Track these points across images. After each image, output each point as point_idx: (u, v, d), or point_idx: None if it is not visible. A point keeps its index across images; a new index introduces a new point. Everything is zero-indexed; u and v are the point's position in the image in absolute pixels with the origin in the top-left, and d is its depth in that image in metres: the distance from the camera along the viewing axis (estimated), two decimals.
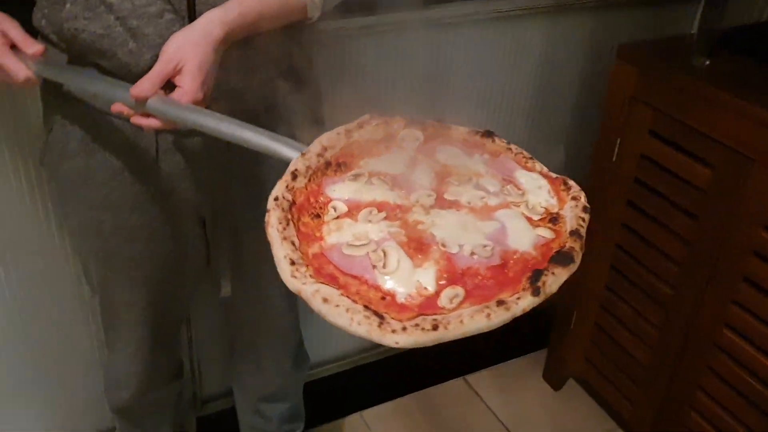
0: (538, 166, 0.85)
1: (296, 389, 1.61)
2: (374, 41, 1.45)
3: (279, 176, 0.77)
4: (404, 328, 0.64)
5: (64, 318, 1.45)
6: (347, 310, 0.65)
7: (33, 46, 0.98)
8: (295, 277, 0.68)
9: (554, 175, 0.84)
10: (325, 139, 0.83)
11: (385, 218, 0.75)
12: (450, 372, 2.02)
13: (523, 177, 0.83)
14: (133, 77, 0.93)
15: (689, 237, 1.52)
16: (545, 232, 0.74)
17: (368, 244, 0.71)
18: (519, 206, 0.78)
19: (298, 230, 0.74)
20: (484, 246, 0.71)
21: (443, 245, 0.71)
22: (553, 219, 0.77)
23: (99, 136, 1.08)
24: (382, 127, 0.87)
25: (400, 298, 0.67)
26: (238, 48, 1.00)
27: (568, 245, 0.71)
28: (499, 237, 0.73)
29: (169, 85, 0.93)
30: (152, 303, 1.25)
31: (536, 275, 0.67)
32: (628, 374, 1.76)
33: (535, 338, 2.09)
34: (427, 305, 0.67)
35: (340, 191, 0.79)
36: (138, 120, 0.93)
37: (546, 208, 0.79)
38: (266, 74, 1.10)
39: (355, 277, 0.69)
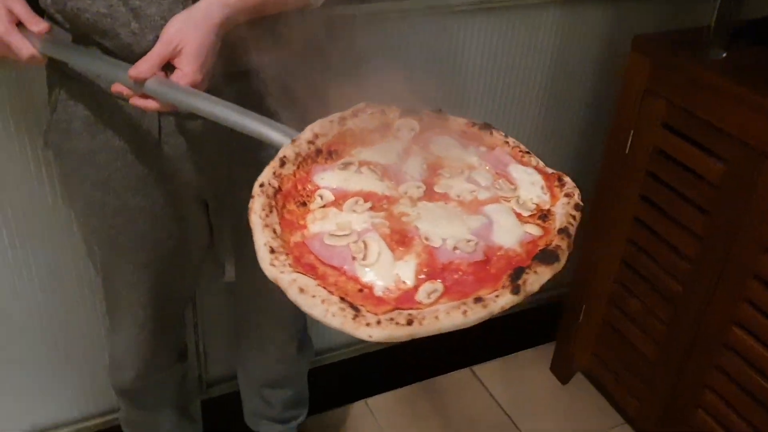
0: (534, 160, 0.83)
1: (300, 376, 1.61)
2: (384, 28, 1.43)
3: None
4: (378, 322, 0.63)
5: (71, 298, 1.46)
6: (323, 301, 0.64)
7: (38, 24, 0.98)
8: (274, 265, 0.68)
9: (550, 171, 0.82)
10: (317, 126, 0.82)
11: (371, 209, 0.74)
12: (456, 362, 2.00)
13: (517, 171, 0.81)
14: (135, 58, 0.92)
15: (701, 232, 1.50)
16: (533, 229, 0.73)
17: (350, 235, 0.70)
18: (509, 201, 0.77)
19: (281, 218, 0.73)
20: (468, 241, 0.70)
21: (426, 239, 0.70)
22: (543, 216, 0.75)
23: (102, 117, 1.08)
24: (377, 115, 0.86)
25: (378, 291, 0.66)
26: (242, 31, 0.99)
27: (554, 243, 0.70)
28: (485, 232, 0.72)
29: (169, 67, 0.93)
30: (155, 285, 1.25)
31: (517, 273, 0.66)
32: (635, 370, 1.74)
33: (543, 331, 2.07)
34: (405, 299, 0.66)
35: (328, 179, 0.78)
36: (136, 101, 0.93)
37: (537, 205, 0.77)
38: (271, 58, 1.09)
39: (334, 267, 0.68)
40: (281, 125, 0.83)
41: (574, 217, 0.74)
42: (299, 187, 0.77)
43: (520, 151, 0.84)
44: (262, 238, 0.69)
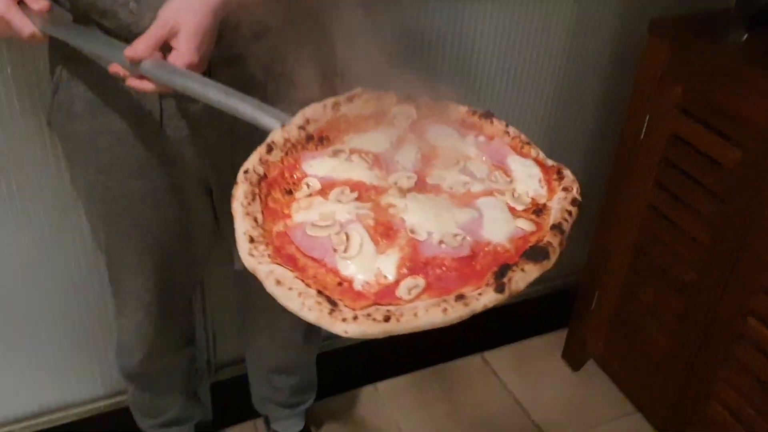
0: (534, 151, 0.80)
1: (308, 362, 1.60)
2: (394, 12, 1.40)
3: None
4: (355, 318, 0.61)
5: (79, 280, 1.46)
6: (299, 294, 0.62)
7: (38, 2, 0.97)
8: (253, 255, 0.66)
9: (550, 163, 0.78)
10: (309, 111, 0.79)
11: (357, 199, 0.71)
12: (467, 348, 1.98)
13: (515, 163, 0.78)
14: (134, 38, 0.91)
15: (715, 220, 1.46)
16: (525, 224, 0.70)
17: (332, 226, 0.68)
18: (504, 194, 0.74)
19: (265, 206, 0.71)
20: (455, 235, 0.67)
21: (411, 231, 0.68)
22: (537, 210, 0.72)
23: (104, 99, 1.07)
24: (373, 102, 0.83)
25: (357, 285, 0.64)
26: (242, 13, 0.97)
27: (545, 240, 0.67)
28: (473, 226, 0.69)
29: (168, 48, 0.91)
30: (159, 270, 1.24)
31: (503, 270, 0.63)
32: (648, 358, 1.71)
33: (555, 317, 2.04)
34: (385, 294, 0.63)
35: (317, 167, 0.75)
36: (132, 82, 0.91)
37: (533, 198, 0.74)
38: (276, 40, 1.06)
39: (314, 259, 0.66)
40: (274, 109, 0.81)
41: (569, 213, 0.71)
42: (287, 174, 0.75)
43: (521, 141, 0.81)
44: (242, 227, 0.67)
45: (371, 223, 0.68)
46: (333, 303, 0.62)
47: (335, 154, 0.77)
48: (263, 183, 0.72)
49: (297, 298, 0.62)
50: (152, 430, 1.55)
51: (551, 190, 0.75)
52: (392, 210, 0.70)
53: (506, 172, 0.77)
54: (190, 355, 1.52)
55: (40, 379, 1.53)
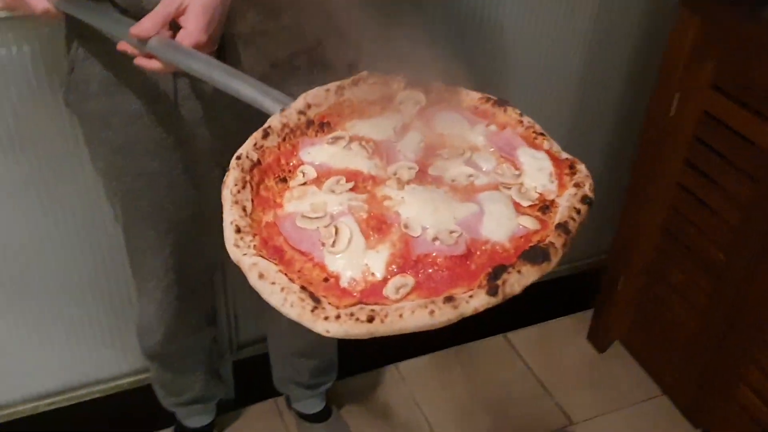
0: (547, 144, 0.75)
1: (329, 344, 1.58)
2: None
3: None
4: (338, 316, 0.58)
5: (102, 258, 1.46)
6: (282, 290, 0.60)
7: None
8: (238, 246, 0.63)
9: (563, 156, 0.74)
10: (311, 95, 0.76)
11: (352, 189, 0.68)
12: (490, 328, 1.95)
13: (526, 155, 0.73)
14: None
15: (746, 200, 1.42)
16: (528, 222, 0.65)
17: (323, 218, 0.65)
18: (510, 189, 0.69)
19: (257, 194, 0.68)
20: (451, 232, 0.63)
21: (405, 226, 0.64)
22: (544, 207, 0.68)
23: (119, 78, 1.06)
24: (379, 86, 0.79)
25: (343, 282, 0.61)
26: None
27: (548, 240, 0.62)
28: (472, 223, 0.65)
29: (178, 27, 0.89)
30: (177, 251, 1.24)
31: (497, 272, 0.59)
32: (675, 341, 1.69)
33: (580, 298, 2.00)
34: (371, 293, 0.60)
35: (314, 155, 0.72)
36: (141, 61, 0.90)
37: (541, 194, 0.69)
38: (293, 20, 1.03)
39: (302, 252, 0.63)
40: (276, 92, 0.78)
41: (578, 211, 0.66)
42: (282, 161, 0.72)
43: (534, 132, 0.76)
44: (229, 216, 0.65)
45: (364, 216, 0.65)
46: (316, 300, 0.59)
47: (334, 141, 0.73)
48: (256, 170, 0.69)
49: (279, 293, 0.59)
50: (175, 408, 1.56)
51: (562, 186, 0.70)
52: (387, 203, 0.66)
53: (515, 165, 0.72)
54: (212, 335, 1.51)
55: (64, 357, 1.55)
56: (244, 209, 0.65)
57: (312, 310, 0.58)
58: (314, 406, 1.67)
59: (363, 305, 0.58)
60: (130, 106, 1.07)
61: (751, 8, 1.39)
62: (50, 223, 1.37)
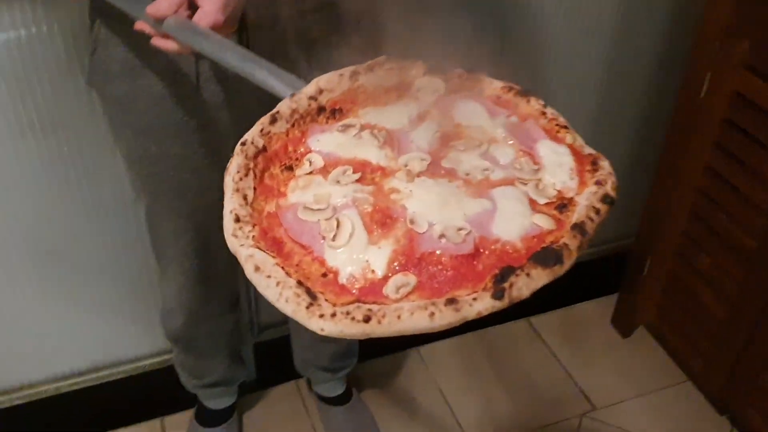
0: (570, 137, 0.70)
1: None
2: None
3: None
4: (333, 314, 0.55)
5: (127, 239, 1.46)
6: (278, 284, 0.57)
7: None
8: (236, 236, 0.61)
9: (587, 151, 0.69)
10: (323, 80, 0.73)
11: (358, 180, 0.65)
12: (513, 312, 1.89)
13: (546, 149, 0.69)
14: None
15: None
16: (543, 221, 0.61)
17: (325, 210, 0.62)
18: (527, 185, 0.65)
19: (260, 182, 0.66)
20: (459, 229, 0.60)
21: (411, 221, 0.61)
22: (561, 205, 0.64)
23: (141, 60, 1.04)
24: (396, 72, 0.75)
25: (342, 279, 0.58)
26: None
27: (562, 241, 0.58)
28: (483, 220, 0.61)
29: (195, 8, 0.87)
30: (199, 235, 1.22)
31: (504, 273, 0.55)
32: (703, 328, 1.65)
33: (605, 282, 1.95)
34: (370, 291, 0.57)
35: (323, 143, 0.69)
36: (157, 41, 0.88)
37: (559, 191, 0.65)
38: (316, 3, 1.01)
39: (302, 245, 0.60)
40: (290, 76, 0.75)
41: (597, 211, 0.62)
42: (290, 148, 0.69)
43: (557, 124, 0.72)
44: (229, 204, 0.62)
45: (368, 209, 0.62)
46: (312, 296, 0.56)
47: (345, 129, 0.70)
48: (260, 157, 0.66)
49: (275, 287, 0.57)
50: (197, 390, 1.56)
51: (582, 183, 0.66)
52: (394, 195, 0.63)
53: (534, 159, 0.68)
54: (234, 319, 1.50)
55: (88, 338, 1.55)
56: (245, 198, 0.63)
57: (307, 307, 0.56)
58: (335, 389, 1.66)
59: (361, 304, 0.55)
60: (152, 89, 1.06)
61: None
62: (77, 203, 1.37)
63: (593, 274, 1.87)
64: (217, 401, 1.60)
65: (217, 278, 1.35)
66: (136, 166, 1.17)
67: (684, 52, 1.53)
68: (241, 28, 1.00)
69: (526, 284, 0.55)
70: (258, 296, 1.62)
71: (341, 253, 0.59)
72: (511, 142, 0.70)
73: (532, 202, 0.64)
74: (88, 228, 1.41)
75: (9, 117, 1.24)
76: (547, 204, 0.64)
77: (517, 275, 0.55)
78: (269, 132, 0.68)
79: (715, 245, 1.55)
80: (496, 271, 0.56)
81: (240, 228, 0.61)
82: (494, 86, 0.76)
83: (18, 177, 1.30)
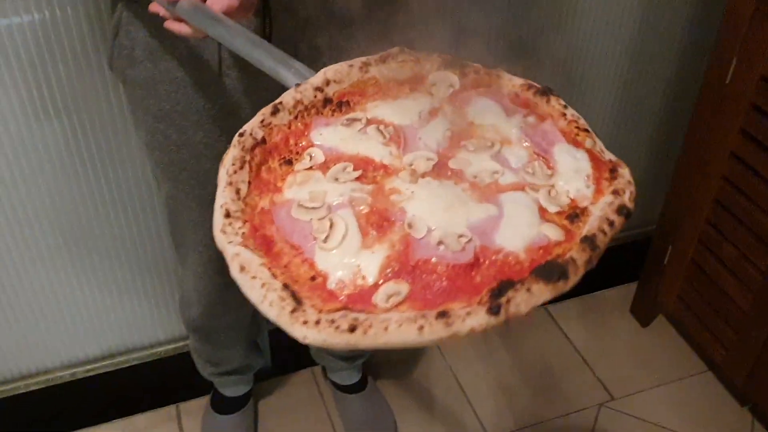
0: (590, 141, 0.66)
1: None
2: None
3: None
4: (318, 322, 0.52)
5: (145, 225, 1.45)
6: (263, 285, 0.54)
7: None
8: (224, 232, 0.58)
9: (606, 158, 0.64)
10: (332, 70, 0.70)
11: (358, 179, 0.61)
12: None
13: (563, 153, 0.65)
14: None
15: None
16: (552, 231, 0.57)
17: (319, 209, 0.58)
18: (538, 191, 0.61)
19: (256, 176, 0.63)
20: (459, 236, 0.56)
21: (410, 225, 0.57)
22: (573, 215, 0.59)
23: (163, 44, 1.02)
24: (410, 65, 0.72)
25: (331, 283, 0.55)
26: None
27: (569, 255, 0.54)
28: (486, 227, 0.57)
29: None
30: None
31: (502, 288, 0.51)
32: (726, 318, 1.59)
33: (624, 270, 1.90)
34: (359, 298, 0.53)
35: (326, 137, 0.66)
36: (171, 24, 0.86)
37: (573, 200, 0.61)
38: None
39: (293, 245, 0.57)
40: (299, 65, 0.72)
41: (611, 224, 0.57)
42: (291, 141, 0.66)
43: (577, 127, 0.67)
44: (220, 199, 0.59)
45: (365, 209, 0.58)
46: (298, 301, 0.53)
47: (350, 123, 0.67)
48: (258, 149, 0.63)
49: (259, 288, 0.54)
50: (213, 377, 1.55)
51: (599, 192, 0.61)
52: (395, 197, 0.59)
53: (548, 164, 0.64)
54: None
55: (104, 324, 1.54)
56: (237, 192, 0.60)
57: (292, 311, 0.52)
58: (350, 377, 1.64)
59: (348, 311, 0.52)
60: (174, 74, 1.03)
61: None
62: (95, 188, 1.36)
63: (613, 261, 1.82)
64: (233, 389, 1.59)
65: None
66: (157, 154, 1.15)
67: (710, 36, 1.49)
68: (264, 10, 0.97)
69: (525, 300, 0.51)
70: None
71: (332, 256, 0.55)
72: (525, 144, 0.66)
73: (542, 210, 0.60)
74: (106, 213, 1.40)
75: (29, 100, 1.22)
76: (558, 213, 0.60)
77: (516, 290, 0.51)
78: (270, 123, 0.65)
79: (740, 234, 1.51)
80: (495, 284, 0.52)
81: (230, 224, 0.58)
82: (514, 83, 0.72)
83: (36, 160, 1.29)
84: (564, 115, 0.69)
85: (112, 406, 1.62)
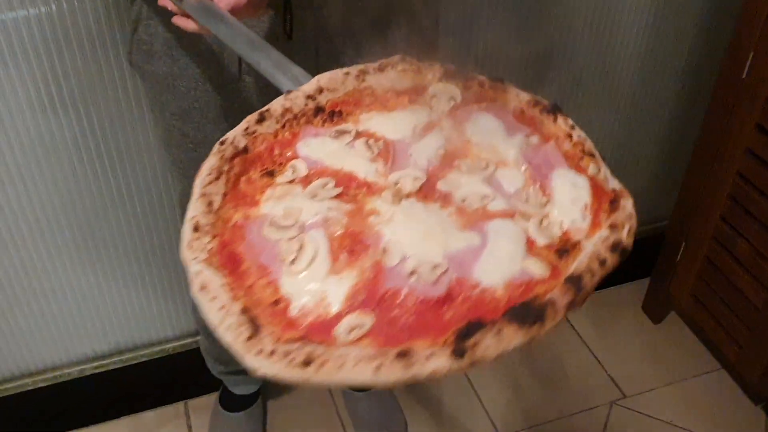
0: (594, 168, 0.61)
1: None
2: None
3: None
4: (272, 353, 0.49)
5: (155, 222, 1.44)
6: (222, 308, 0.51)
7: None
8: (191, 247, 0.55)
9: (610, 186, 0.60)
10: (325, 78, 0.66)
11: (338, 196, 0.58)
12: None
13: (561, 179, 0.60)
14: None
15: None
16: (536, 267, 0.53)
17: (290, 228, 0.55)
18: (529, 220, 0.57)
19: (234, 187, 0.60)
20: (434, 267, 0.52)
21: (384, 251, 0.53)
22: (563, 250, 0.55)
23: (183, 40, 1.00)
24: (410, 74, 0.68)
25: (294, 310, 0.51)
26: None
27: (549, 296, 0.50)
28: (465, 258, 0.53)
29: None
30: None
31: (470, 329, 0.48)
32: (740, 315, 1.58)
33: (636, 266, 1.84)
34: (320, 329, 0.50)
35: (312, 149, 0.63)
36: (178, 20, 0.84)
37: (566, 232, 0.56)
38: None
39: (261, 266, 0.54)
40: (297, 70, 0.69)
41: (602, 263, 0.53)
42: (276, 151, 0.63)
43: (583, 151, 0.63)
44: (191, 211, 0.57)
45: (339, 231, 0.55)
46: (256, 327, 0.50)
47: (338, 135, 0.63)
48: (238, 159, 0.61)
49: (217, 311, 0.51)
50: (223, 375, 1.55)
51: (596, 224, 0.57)
52: (373, 218, 0.56)
53: (545, 190, 0.60)
54: None
55: (113, 320, 1.54)
56: (209, 204, 0.57)
57: (248, 338, 0.49)
58: None
59: (306, 342, 0.49)
60: (193, 71, 1.02)
61: None
62: (105, 183, 1.35)
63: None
64: (242, 387, 1.58)
65: None
66: (174, 150, 1.13)
67: (727, 30, 1.45)
68: (285, 7, 0.94)
69: (494, 344, 0.47)
70: None
71: (298, 280, 0.52)
72: (523, 167, 0.62)
73: (530, 243, 0.55)
74: (116, 209, 1.39)
75: (40, 92, 1.22)
76: (547, 246, 0.55)
77: (485, 332, 0.47)
78: (255, 132, 0.62)
79: (754, 230, 1.49)
80: (463, 324, 0.48)
81: (197, 238, 0.55)
82: (520, 98, 0.68)
83: (44, 154, 1.28)
84: (570, 136, 0.64)
85: (121, 403, 1.63)
